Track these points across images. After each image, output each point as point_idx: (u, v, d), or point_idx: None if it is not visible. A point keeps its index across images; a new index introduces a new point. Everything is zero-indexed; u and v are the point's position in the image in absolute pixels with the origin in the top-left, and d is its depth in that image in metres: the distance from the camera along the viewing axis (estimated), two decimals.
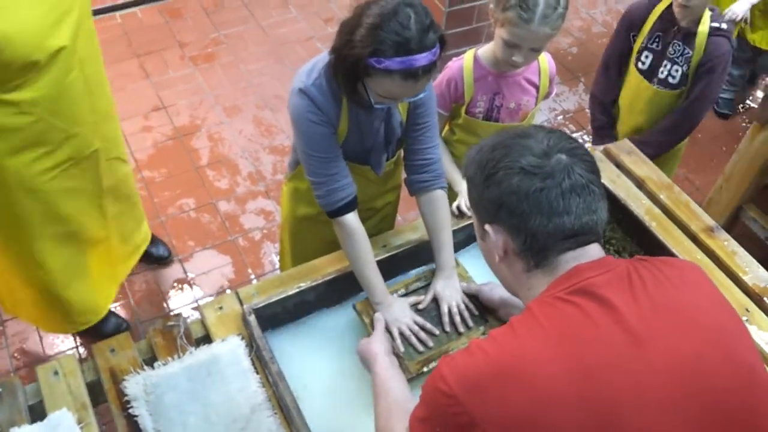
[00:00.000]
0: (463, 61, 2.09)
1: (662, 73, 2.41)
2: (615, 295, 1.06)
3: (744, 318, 1.83)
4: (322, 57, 1.68)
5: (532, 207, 1.08)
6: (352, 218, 1.77)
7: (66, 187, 2.11)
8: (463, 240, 1.94)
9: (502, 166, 1.11)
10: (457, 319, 1.76)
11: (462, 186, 2.07)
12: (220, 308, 1.77)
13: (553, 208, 1.07)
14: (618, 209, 2.07)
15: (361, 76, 1.55)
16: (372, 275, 1.75)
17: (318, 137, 1.69)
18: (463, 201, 2.02)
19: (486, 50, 2.08)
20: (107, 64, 3.88)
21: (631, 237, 2.06)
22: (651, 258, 1.16)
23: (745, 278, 1.96)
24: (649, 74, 2.45)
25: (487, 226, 1.15)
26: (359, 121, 1.76)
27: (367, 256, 1.76)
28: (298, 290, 1.78)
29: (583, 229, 1.10)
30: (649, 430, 0.97)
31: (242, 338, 1.69)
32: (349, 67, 1.54)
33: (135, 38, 4.16)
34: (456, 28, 3.48)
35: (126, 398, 1.58)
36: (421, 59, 1.49)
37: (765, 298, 1.91)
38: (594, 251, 1.12)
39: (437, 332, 1.74)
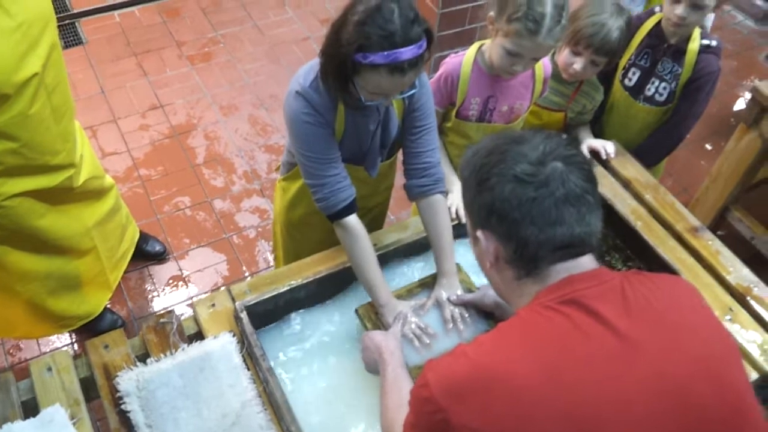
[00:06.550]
0: (463, 58, 2.07)
1: (649, 90, 2.36)
2: (607, 308, 1.03)
3: (728, 317, 1.86)
4: (318, 60, 1.67)
5: (524, 216, 1.05)
6: (353, 220, 1.75)
7: (34, 209, 2.09)
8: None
9: (496, 172, 1.08)
10: (460, 325, 1.75)
11: (455, 185, 2.07)
12: (213, 305, 1.79)
13: (546, 218, 1.05)
14: (604, 209, 2.08)
15: (350, 75, 1.55)
16: (376, 277, 1.73)
17: (315, 138, 1.69)
18: (454, 203, 2.03)
19: (483, 53, 2.05)
20: (106, 63, 3.97)
21: (617, 236, 2.08)
22: (647, 273, 1.14)
23: (729, 278, 1.98)
24: (635, 91, 2.39)
25: (478, 232, 1.13)
26: (356, 124, 1.76)
27: (370, 258, 1.74)
28: (289, 288, 1.80)
29: (574, 241, 1.07)
30: None
31: (234, 335, 1.71)
32: (338, 66, 1.54)
33: (133, 37, 4.19)
34: (449, 30, 3.49)
35: (119, 394, 1.60)
36: (407, 52, 1.48)
37: (748, 298, 1.93)
38: (586, 262, 1.10)
39: (438, 336, 1.73)
